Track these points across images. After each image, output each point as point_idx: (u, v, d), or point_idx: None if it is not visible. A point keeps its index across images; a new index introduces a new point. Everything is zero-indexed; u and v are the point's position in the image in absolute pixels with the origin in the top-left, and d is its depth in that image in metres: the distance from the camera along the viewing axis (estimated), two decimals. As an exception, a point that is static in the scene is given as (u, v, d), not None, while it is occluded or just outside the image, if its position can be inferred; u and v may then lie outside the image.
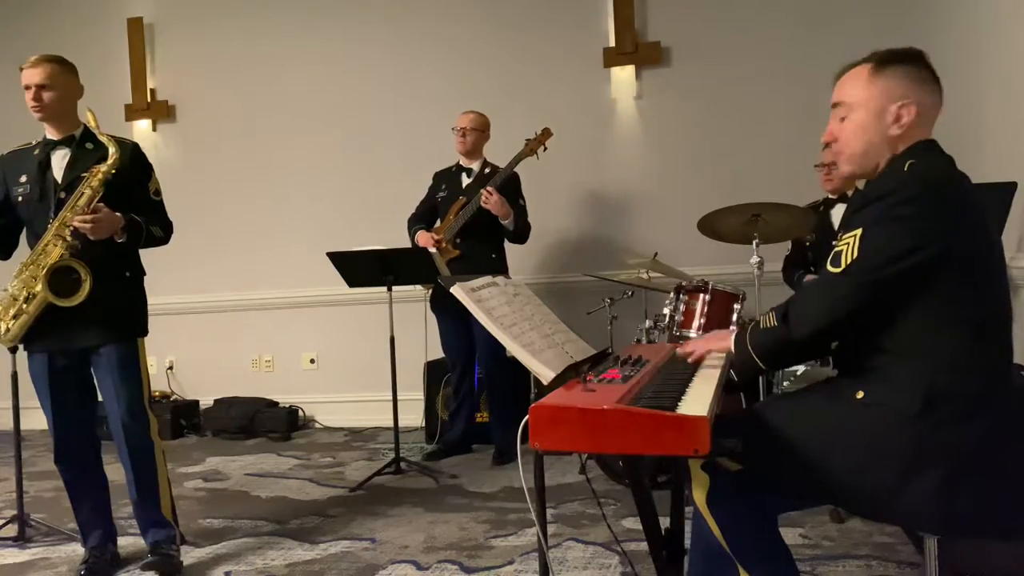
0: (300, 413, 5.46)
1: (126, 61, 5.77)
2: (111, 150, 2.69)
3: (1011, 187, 3.08)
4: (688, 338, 3.22)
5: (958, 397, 1.49)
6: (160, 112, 5.80)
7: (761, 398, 3.26)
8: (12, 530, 3.19)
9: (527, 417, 1.37)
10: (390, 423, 4.13)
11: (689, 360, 1.85)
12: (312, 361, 5.64)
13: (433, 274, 3.91)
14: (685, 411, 1.34)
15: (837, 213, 3.72)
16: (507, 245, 4.39)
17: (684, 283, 3.42)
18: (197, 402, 5.57)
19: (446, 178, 4.45)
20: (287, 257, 5.54)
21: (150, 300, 2.94)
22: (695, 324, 3.32)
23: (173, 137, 5.81)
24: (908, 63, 1.64)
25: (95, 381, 2.85)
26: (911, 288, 1.51)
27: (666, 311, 3.40)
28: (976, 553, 1.93)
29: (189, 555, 2.95)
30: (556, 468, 3.82)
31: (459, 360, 4.45)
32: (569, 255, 5.15)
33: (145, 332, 2.89)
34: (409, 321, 4.54)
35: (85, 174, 2.69)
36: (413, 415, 4.86)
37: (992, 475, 1.48)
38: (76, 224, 2.59)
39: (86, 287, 2.62)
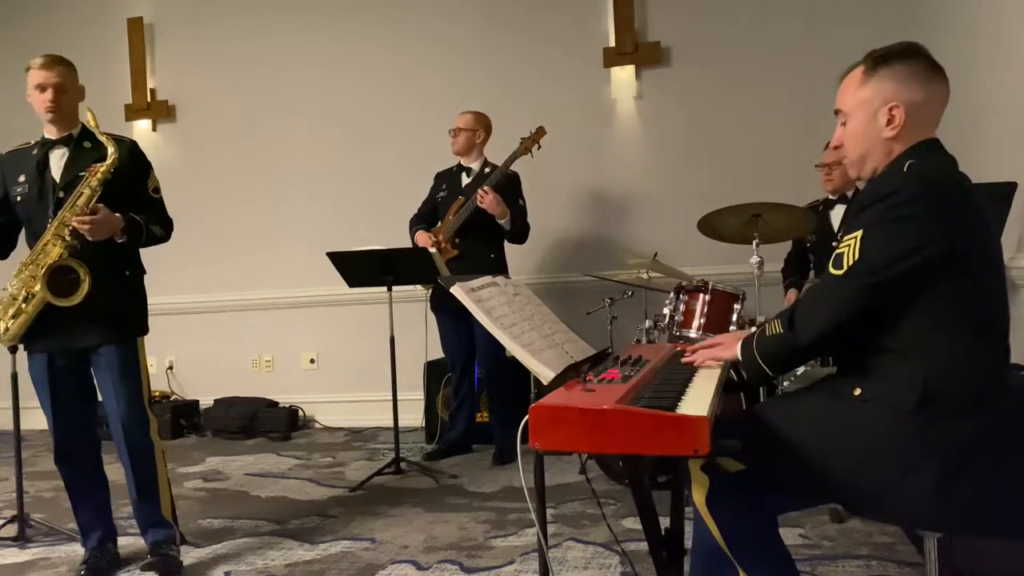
0: (300, 413, 5.46)
1: (126, 61, 5.77)
2: (110, 149, 2.69)
3: (1011, 187, 3.08)
4: (688, 338, 3.23)
5: (955, 395, 1.49)
6: (160, 112, 5.80)
7: (762, 398, 3.26)
8: (12, 530, 3.19)
9: (527, 417, 1.37)
10: (390, 423, 4.13)
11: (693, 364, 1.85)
12: (312, 361, 5.64)
13: (433, 274, 3.91)
14: (685, 411, 1.34)
15: (837, 213, 3.72)
16: (507, 245, 4.40)
17: (684, 283, 3.42)
18: (197, 402, 5.57)
19: (446, 178, 4.46)
20: (287, 257, 5.54)
21: (150, 300, 2.94)
22: (695, 324, 3.32)
23: (173, 137, 5.81)
24: (903, 60, 1.63)
25: (95, 381, 2.85)
26: (912, 288, 1.52)
27: (666, 311, 3.40)
28: (976, 553, 1.93)
29: (189, 555, 2.95)
30: (556, 468, 3.81)
31: (459, 360, 4.45)
32: (569, 255, 5.15)
33: (145, 331, 2.88)
34: (409, 321, 4.54)
35: (84, 173, 2.69)
36: (413, 415, 4.86)
37: (990, 473, 1.49)
38: (75, 224, 2.59)
39: (84, 287, 2.61)
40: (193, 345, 5.69)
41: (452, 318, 4.33)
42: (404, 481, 3.90)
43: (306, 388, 5.55)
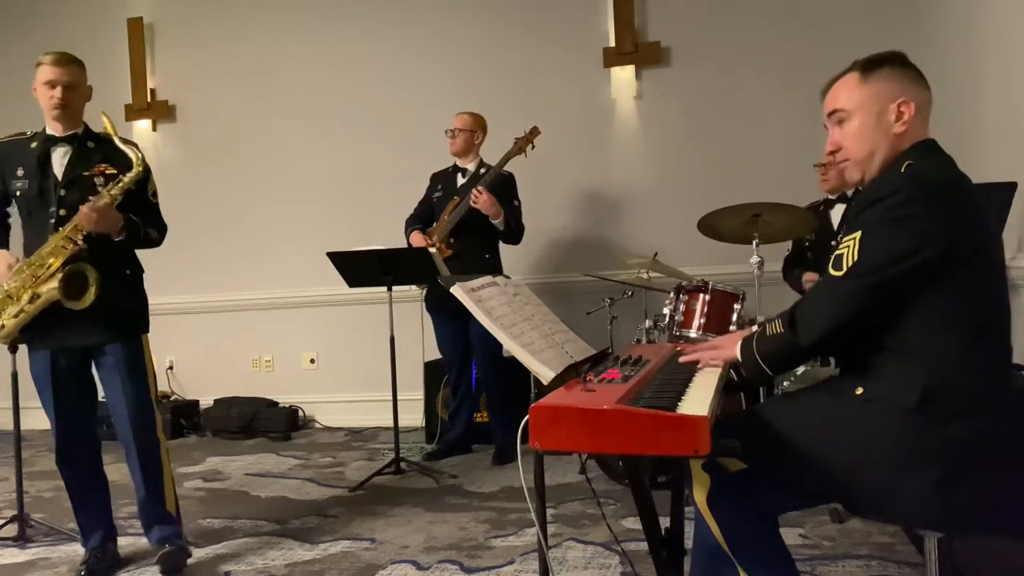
0: (300, 413, 5.46)
1: (126, 61, 5.77)
2: (135, 161, 2.72)
3: (1011, 187, 3.08)
4: (688, 338, 3.23)
5: (956, 394, 1.50)
6: (160, 112, 5.80)
7: (762, 398, 3.26)
8: (12, 530, 3.19)
9: (527, 417, 1.37)
10: (390, 423, 4.13)
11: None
12: (312, 361, 5.64)
13: (433, 274, 3.91)
14: (685, 411, 1.34)
15: (837, 213, 3.72)
16: (502, 245, 4.40)
17: (684, 283, 3.42)
18: (197, 402, 5.57)
19: (442, 179, 4.46)
20: (287, 257, 5.54)
21: (150, 300, 2.95)
22: (695, 324, 3.32)
23: (173, 137, 5.81)
24: (895, 65, 1.65)
25: (97, 380, 2.86)
26: (912, 288, 1.52)
27: (666, 311, 3.40)
28: (976, 553, 1.93)
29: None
30: (556, 468, 3.81)
31: (455, 360, 4.46)
32: (569, 255, 5.15)
33: (147, 329, 2.91)
34: (409, 321, 4.55)
35: (87, 173, 2.71)
36: (413, 415, 4.86)
37: (991, 473, 1.49)
38: (82, 210, 2.59)
39: (93, 290, 2.63)
40: (193, 345, 5.69)
41: (448, 318, 4.34)
42: (404, 481, 3.90)
43: (306, 388, 5.55)
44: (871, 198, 1.57)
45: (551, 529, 2.99)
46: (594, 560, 2.73)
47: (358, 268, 4.00)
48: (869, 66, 1.65)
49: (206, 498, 3.79)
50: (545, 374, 1.64)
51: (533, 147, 4.28)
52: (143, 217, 2.80)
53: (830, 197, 3.82)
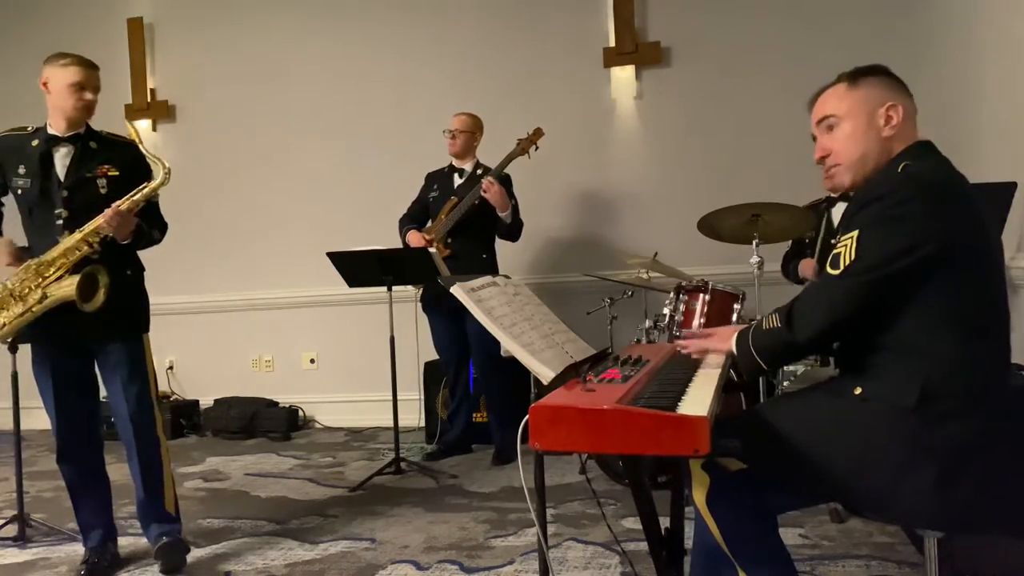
0: (300, 413, 5.46)
1: (126, 61, 5.77)
2: (161, 171, 2.76)
3: (1011, 187, 3.08)
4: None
5: (954, 393, 1.50)
6: (160, 112, 5.80)
7: (762, 398, 3.26)
8: (12, 530, 3.19)
9: (527, 417, 1.37)
10: (390, 423, 4.13)
11: (683, 352, 1.87)
12: (312, 361, 5.64)
13: (433, 274, 3.91)
14: (685, 411, 1.34)
15: (839, 211, 3.71)
16: (498, 245, 4.40)
17: (684, 283, 3.42)
18: (197, 402, 5.57)
19: (438, 179, 4.46)
20: (287, 257, 5.54)
21: (150, 300, 2.96)
22: (695, 324, 3.32)
23: (173, 137, 5.81)
24: (879, 74, 1.70)
25: (99, 379, 2.87)
26: (909, 287, 1.53)
27: (666, 311, 3.40)
28: (976, 553, 1.93)
29: (189, 555, 2.94)
30: (556, 468, 3.82)
31: (452, 359, 4.46)
32: (569, 255, 5.14)
33: (148, 328, 2.92)
34: (409, 321, 4.55)
35: (90, 174, 2.74)
36: (413, 415, 4.86)
37: (989, 472, 1.49)
38: (108, 212, 2.61)
39: (103, 292, 2.64)
40: (193, 345, 5.69)
41: (444, 318, 4.34)
42: (404, 481, 3.90)
43: (306, 388, 5.55)
44: (868, 197, 1.58)
45: (551, 529, 3.00)
46: (594, 560, 2.73)
47: (358, 268, 4.00)
48: (855, 75, 1.70)
49: (206, 498, 3.79)
50: (545, 374, 1.64)
51: (537, 148, 4.28)
52: (146, 218, 2.82)
53: (832, 195, 3.81)
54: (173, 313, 5.38)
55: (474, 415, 4.58)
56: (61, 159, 2.76)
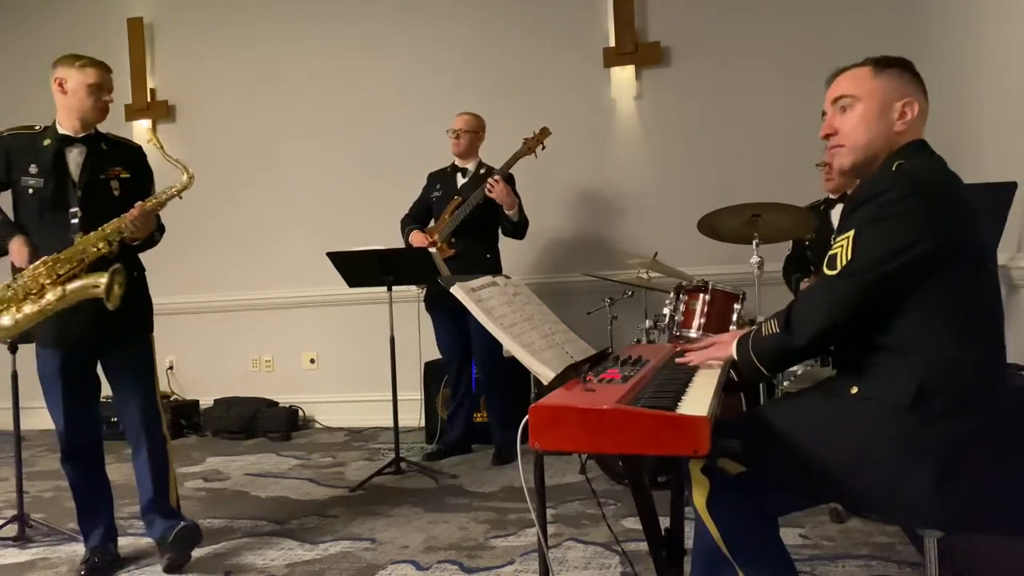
0: (300, 413, 5.46)
1: (126, 61, 5.77)
2: (184, 176, 2.79)
3: (1011, 187, 3.08)
4: (688, 338, 3.23)
5: (950, 392, 1.50)
6: (160, 112, 5.81)
7: (762, 399, 3.26)
8: (12, 530, 3.19)
9: (527, 417, 1.37)
10: (390, 423, 4.13)
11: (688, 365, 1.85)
12: (312, 361, 5.64)
13: (433, 274, 3.91)
14: (685, 411, 1.34)
15: (838, 213, 3.71)
16: (501, 245, 4.40)
17: (684, 283, 3.41)
18: (197, 402, 5.57)
19: (441, 178, 4.46)
20: (287, 257, 5.54)
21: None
22: (695, 324, 3.31)
23: (173, 137, 5.79)
24: (905, 68, 1.68)
25: (104, 379, 2.89)
26: (906, 285, 1.53)
27: (666, 311, 3.39)
28: (976, 553, 1.93)
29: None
30: (556, 468, 3.82)
31: (455, 359, 4.46)
32: (569, 255, 5.15)
33: (152, 328, 2.95)
34: (409, 321, 4.55)
35: (103, 176, 2.77)
36: (413, 415, 4.86)
37: (986, 470, 1.49)
38: (134, 212, 2.66)
39: (119, 290, 2.64)
40: (193, 345, 5.69)
41: (447, 317, 4.34)
42: (404, 481, 3.90)
43: (306, 388, 5.55)
44: (863, 197, 1.58)
45: (551, 529, 2.99)
46: (594, 560, 2.73)
47: (358, 268, 4.01)
48: (882, 63, 1.67)
49: (206, 498, 3.79)
50: (545, 374, 1.64)
51: (544, 147, 4.28)
52: None
53: (831, 197, 3.81)
54: (173, 313, 5.38)
55: (474, 415, 4.58)
56: (74, 159, 2.77)
